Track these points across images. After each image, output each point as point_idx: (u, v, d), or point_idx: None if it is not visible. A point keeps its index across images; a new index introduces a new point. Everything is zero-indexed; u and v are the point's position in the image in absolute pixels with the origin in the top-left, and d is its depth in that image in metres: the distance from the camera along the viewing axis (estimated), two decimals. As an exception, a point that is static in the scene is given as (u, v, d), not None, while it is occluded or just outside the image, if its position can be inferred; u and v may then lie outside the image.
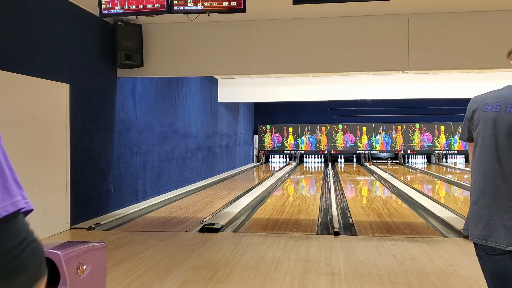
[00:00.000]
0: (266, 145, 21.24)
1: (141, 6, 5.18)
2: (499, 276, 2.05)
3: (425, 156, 20.51)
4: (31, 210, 0.89)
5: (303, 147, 21.05)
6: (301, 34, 6.72)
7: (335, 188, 11.02)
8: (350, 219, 6.90)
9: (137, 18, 6.41)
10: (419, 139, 20.68)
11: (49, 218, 5.75)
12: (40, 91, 5.63)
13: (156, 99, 9.41)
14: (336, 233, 5.81)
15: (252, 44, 6.80)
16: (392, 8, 6.10)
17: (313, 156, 21.06)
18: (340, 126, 20.85)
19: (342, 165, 19.80)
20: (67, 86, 6.12)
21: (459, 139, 2.64)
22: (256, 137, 21.26)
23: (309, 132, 21.03)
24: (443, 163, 20.23)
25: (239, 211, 7.55)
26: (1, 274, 0.82)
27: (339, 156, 20.83)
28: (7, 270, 0.83)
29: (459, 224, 6.31)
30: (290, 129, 21.16)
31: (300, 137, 21.10)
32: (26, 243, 0.86)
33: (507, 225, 1.94)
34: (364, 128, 20.81)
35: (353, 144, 20.82)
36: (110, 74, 7.30)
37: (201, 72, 8.02)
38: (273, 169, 18.04)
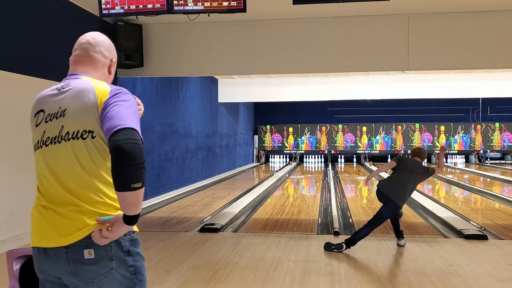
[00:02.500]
0: (266, 145, 21.24)
1: (141, 6, 5.18)
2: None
3: (425, 156, 20.51)
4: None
5: (303, 147, 21.05)
6: (301, 34, 6.71)
7: (335, 188, 11.02)
8: (350, 219, 6.90)
9: (137, 18, 6.40)
10: (419, 139, 20.68)
11: (49, 218, 5.74)
12: (40, 91, 5.62)
13: (156, 99, 9.41)
14: (336, 233, 5.80)
15: (252, 44, 6.80)
16: (392, 8, 6.09)
17: (313, 156, 21.06)
18: (340, 126, 20.85)
19: (342, 165, 19.80)
20: (67, 86, 6.11)
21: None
22: (256, 137, 21.26)
23: (309, 132, 21.03)
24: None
25: (239, 211, 7.55)
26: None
27: (339, 156, 20.84)
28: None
29: (459, 224, 6.31)
30: (290, 129, 21.16)
31: (300, 137, 21.10)
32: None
33: (391, 190, 4.94)
34: (364, 128, 20.81)
35: (353, 144, 20.82)
36: (110, 74, 7.29)
37: (201, 72, 8.02)
38: (273, 169, 18.04)
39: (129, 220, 1.58)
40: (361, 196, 10.30)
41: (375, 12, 6.41)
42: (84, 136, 1.62)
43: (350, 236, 5.09)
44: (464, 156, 20.96)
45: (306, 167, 19.28)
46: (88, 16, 6.55)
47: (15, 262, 2.27)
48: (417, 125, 20.66)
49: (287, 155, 21.13)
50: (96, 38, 1.83)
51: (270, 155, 21.38)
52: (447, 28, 6.42)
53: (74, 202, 1.62)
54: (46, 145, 1.68)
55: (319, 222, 6.80)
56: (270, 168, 18.43)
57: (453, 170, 17.66)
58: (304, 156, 21.09)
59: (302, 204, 8.63)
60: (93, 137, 1.62)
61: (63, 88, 1.73)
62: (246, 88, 15.16)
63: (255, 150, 21.21)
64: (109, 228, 1.59)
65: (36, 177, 1.74)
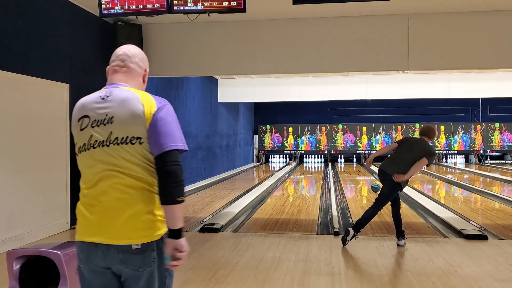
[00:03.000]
0: (266, 145, 21.24)
1: (141, 6, 5.18)
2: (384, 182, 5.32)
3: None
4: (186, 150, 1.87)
5: (303, 147, 21.05)
6: (301, 34, 6.71)
7: (335, 188, 11.02)
8: (350, 219, 6.90)
9: (137, 18, 6.40)
10: (419, 139, 20.65)
11: (49, 218, 5.75)
12: (40, 91, 5.62)
13: (156, 99, 9.39)
14: (336, 233, 5.81)
15: (252, 44, 6.80)
16: (392, 8, 6.10)
17: (313, 156, 21.06)
18: (340, 126, 20.85)
19: (342, 165, 19.80)
20: (67, 86, 6.12)
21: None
22: (256, 137, 21.26)
23: (309, 132, 21.03)
24: (443, 163, 20.23)
25: (239, 211, 7.55)
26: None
27: (339, 156, 20.83)
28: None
29: (459, 224, 6.31)
30: (290, 129, 21.15)
31: (300, 137, 21.10)
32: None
33: (390, 167, 5.14)
34: (364, 128, 20.81)
35: (353, 144, 20.82)
36: (110, 74, 7.28)
37: (201, 72, 8.02)
38: (273, 169, 18.04)
39: (176, 234, 1.81)
40: (361, 196, 10.30)
41: (375, 12, 6.42)
42: (133, 142, 1.81)
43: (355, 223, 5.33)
44: (464, 156, 20.96)
45: (306, 167, 19.27)
46: (88, 16, 6.55)
47: (15, 262, 2.27)
48: (417, 125, 20.65)
49: (287, 155, 21.13)
50: (131, 50, 2.03)
51: (270, 155, 21.37)
52: (447, 28, 6.42)
53: (116, 206, 1.81)
54: (94, 148, 1.85)
55: (319, 222, 6.80)
56: (270, 168, 18.43)
57: (453, 170, 17.66)
58: (304, 156, 21.09)
59: (302, 204, 8.63)
60: (140, 143, 1.82)
61: (107, 96, 1.90)
62: (246, 88, 15.16)
63: (255, 150, 21.21)
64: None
65: (81, 176, 1.91)
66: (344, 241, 5.16)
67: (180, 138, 1.85)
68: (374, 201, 5.32)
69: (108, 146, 1.83)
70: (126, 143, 1.81)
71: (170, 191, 1.78)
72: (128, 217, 1.79)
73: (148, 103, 1.85)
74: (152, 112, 1.83)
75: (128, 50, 2.03)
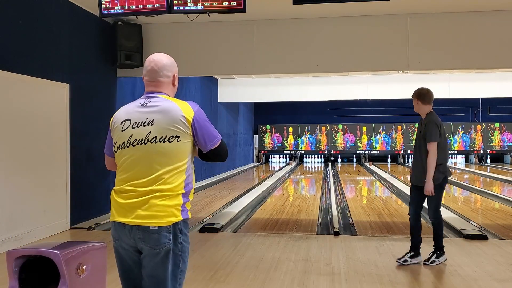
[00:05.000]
0: (266, 145, 21.23)
1: (141, 6, 5.18)
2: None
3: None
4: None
5: (303, 147, 21.04)
6: (301, 34, 6.71)
7: (335, 188, 11.02)
8: (350, 219, 6.90)
9: (137, 18, 6.40)
10: (419, 139, 20.63)
11: (49, 218, 5.75)
12: (40, 91, 5.62)
13: (156, 99, 9.39)
14: (336, 233, 5.81)
15: (252, 44, 6.80)
16: (392, 8, 6.09)
17: (313, 156, 21.05)
18: (340, 126, 20.84)
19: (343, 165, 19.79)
20: (67, 86, 6.12)
21: (434, 140, 4.46)
22: (256, 137, 21.25)
23: (309, 132, 21.02)
24: (443, 163, 20.19)
25: (239, 211, 7.55)
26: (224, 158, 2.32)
27: (339, 156, 20.83)
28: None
29: (459, 224, 6.31)
30: (290, 129, 21.15)
31: (300, 137, 21.09)
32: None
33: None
34: (364, 128, 20.80)
35: (353, 144, 20.81)
36: (110, 74, 7.29)
37: (201, 72, 8.02)
38: (273, 169, 18.03)
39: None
40: (361, 196, 10.29)
41: (375, 12, 6.41)
42: (171, 140, 2.11)
43: (435, 245, 4.69)
44: (464, 156, 20.96)
45: (306, 167, 19.27)
46: (88, 16, 6.55)
47: (15, 262, 2.26)
48: (417, 125, 20.58)
49: (287, 155, 21.12)
50: (158, 63, 2.23)
51: (270, 155, 21.36)
52: (447, 28, 6.41)
53: (142, 193, 2.08)
54: (133, 146, 2.14)
55: (319, 222, 6.80)
56: (270, 168, 18.42)
57: (453, 170, 17.65)
58: (304, 156, 21.08)
59: (302, 204, 8.63)
60: (178, 141, 2.11)
61: (146, 104, 2.18)
62: (246, 88, 15.16)
63: (255, 150, 21.20)
64: None
65: (117, 168, 2.21)
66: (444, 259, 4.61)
67: (216, 132, 2.23)
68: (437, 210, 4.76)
69: (145, 144, 2.11)
70: (164, 141, 2.09)
71: (220, 158, 2.30)
72: (150, 203, 2.06)
73: (186, 108, 2.14)
74: (192, 115, 2.13)
75: (155, 64, 2.23)
